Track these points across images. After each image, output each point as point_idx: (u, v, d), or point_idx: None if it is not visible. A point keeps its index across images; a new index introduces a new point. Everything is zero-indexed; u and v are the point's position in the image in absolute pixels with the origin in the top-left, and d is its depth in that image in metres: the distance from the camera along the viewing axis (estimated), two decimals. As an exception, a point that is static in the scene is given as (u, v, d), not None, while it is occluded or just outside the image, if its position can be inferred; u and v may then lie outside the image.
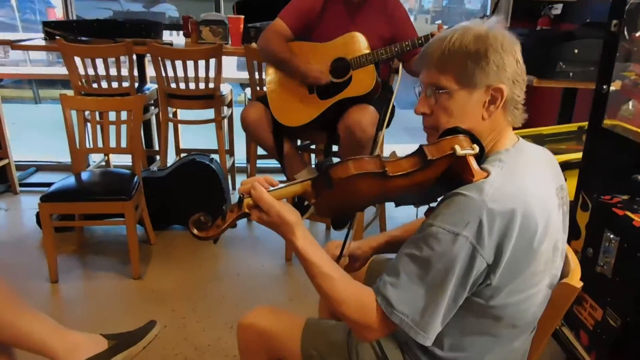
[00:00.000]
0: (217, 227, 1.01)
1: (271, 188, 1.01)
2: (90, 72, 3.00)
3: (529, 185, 0.95)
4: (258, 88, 2.99)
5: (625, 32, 1.74)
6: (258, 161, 3.11)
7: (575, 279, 1.06)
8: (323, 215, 1.07)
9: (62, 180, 2.50)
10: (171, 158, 3.36)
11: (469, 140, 0.95)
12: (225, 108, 3.31)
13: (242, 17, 3.16)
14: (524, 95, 1.02)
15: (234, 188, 3.58)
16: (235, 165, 3.63)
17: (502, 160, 0.97)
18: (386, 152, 2.90)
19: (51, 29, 3.19)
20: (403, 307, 0.94)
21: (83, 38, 3.12)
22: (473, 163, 0.93)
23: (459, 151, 0.92)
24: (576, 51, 2.38)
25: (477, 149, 0.94)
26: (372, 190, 0.98)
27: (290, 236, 0.99)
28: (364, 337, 1.03)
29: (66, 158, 2.62)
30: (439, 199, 0.99)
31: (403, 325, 0.94)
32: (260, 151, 2.87)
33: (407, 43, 2.24)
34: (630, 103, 1.98)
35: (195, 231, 1.01)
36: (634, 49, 1.89)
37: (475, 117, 1.00)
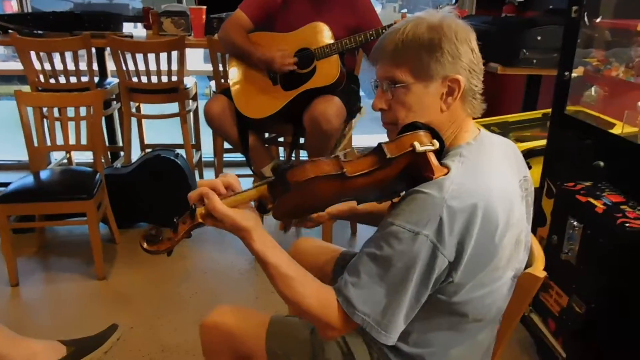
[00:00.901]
0: (169, 240, 0.97)
1: (227, 193, 0.96)
2: (47, 67, 2.89)
3: (490, 179, 0.94)
4: (222, 80, 2.92)
5: (586, 18, 1.74)
6: (225, 155, 3.05)
7: (539, 269, 1.06)
8: (281, 219, 1.06)
9: (19, 180, 2.40)
10: (136, 154, 3.27)
11: (429, 136, 0.93)
12: (190, 102, 3.24)
13: (204, 7, 3.08)
14: (481, 85, 1.01)
15: (201, 183, 3.50)
16: (202, 159, 3.56)
17: (463, 155, 0.96)
18: (354, 142, 2.88)
19: (4, 22, 3.06)
20: (364, 307, 0.92)
21: (39, 32, 2.99)
22: (433, 159, 0.92)
23: (419, 148, 0.90)
24: (539, 38, 2.39)
25: (437, 144, 0.92)
26: (331, 192, 0.95)
27: (247, 241, 0.97)
28: (326, 336, 1.01)
29: (26, 157, 2.52)
30: (401, 194, 0.97)
31: (365, 325, 0.92)
32: (227, 145, 2.81)
33: (371, 32, 2.22)
34: (593, 89, 2.01)
35: (145, 245, 0.97)
36: (595, 35, 1.90)
37: (433, 110, 0.98)
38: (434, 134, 0.94)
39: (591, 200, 1.53)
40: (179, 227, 0.97)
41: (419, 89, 0.97)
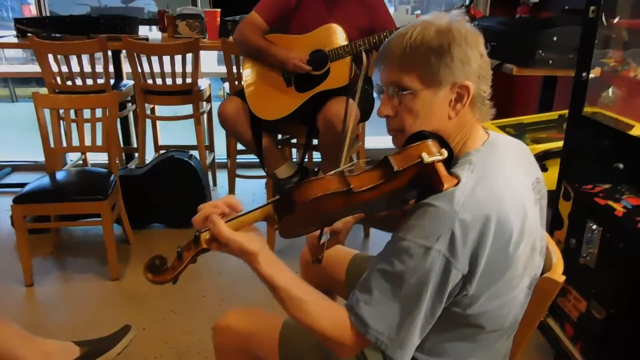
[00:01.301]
0: (173, 270, 0.95)
1: (231, 216, 0.94)
2: (64, 69, 2.93)
3: (502, 187, 0.91)
4: (236, 82, 2.94)
5: (603, 18, 1.71)
6: (238, 156, 3.06)
7: (558, 273, 1.04)
8: (288, 237, 1.02)
9: (35, 181, 2.43)
10: (150, 155, 3.30)
11: (437, 145, 0.90)
12: (204, 103, 3.26)
13: (219, 10, 3.10)
14: (490, 90, 0.98)
15: (214, 184, 3.52)
16: (216, 161, 3.57)
17: (473, 163, 0.93)
18: (368, 144, 2.86)
19: (23, 26, 3.11)
20: (378, 325, 0.90)
21: (56, 35, 3.03)
22: (442, 170, 0.89)
23: (427, 159, 0.87)
24: (555, 38, 2.35)
25: (445, 153, 0.89)
26: (338, 208, 0.93)
27: (254, 265, 0.93)
28: (341, 355, 0.98)
29: (42, 157, 2.55)
30: (410, 203, 0.95)
31: (379, 344, 0.90)
32: (241, 146, 2.82)
33: (385, 34, 2.20)
34: (610, 90, 1.97)
35: (149, 276, 0.94)
36: (612, 35, 1.87)
37: (441, 117, 0.95)
38: (442, 142, 0.91)
39: (610, 203, 1.50)
40: (183, 255, 0.95)
41: (427, 95, 0.94)
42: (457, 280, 0.88)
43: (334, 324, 0.93)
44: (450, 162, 0.92)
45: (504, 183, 0.92)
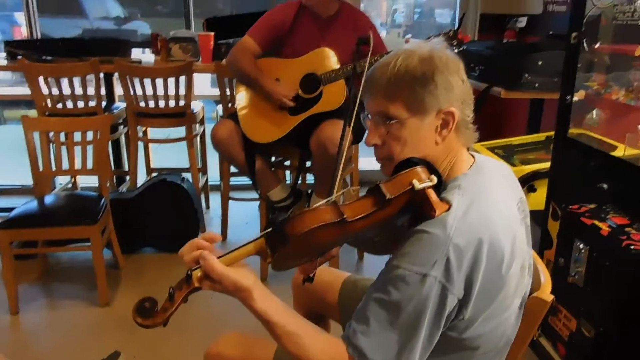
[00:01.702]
0: (164, 311, 0.91)
1: (223, 252, 0.93)
2: (55, 91, 2.93)
3: (492, 209, 0.93)
4: (230, 105, 2.96)
5: (585, 44, 1.77)
6: (231, 179, 3.06)
7: (546, 292, 1.05)
8: (280, 270, 1.01)
9: (23, 205, 2.40)
10: (142, 178, 3.29)
11: (427, 171, 0.92)
12: (197, 126, 3.27)
13: (212, 33, 3.14)
14: (472, 114, 1.00)
15: (207, 207, 3.52)
16: (209, 183, 3.57)
17: (462, 187, 0.94)
18: (361, 165, 2.89)
19: (13, 48, 3.11)
20: (376, 355, 0.89)
21: (47, 57, 3.04)
22: (433, 196, 0.90)
23: (418, 186, 0.89)
24: (540, 63, 2.42)
25: (435, 179, 0.91)
26: (332, 238, 0.93)
27: (248, 302, 0.91)
28: None
29: (31, 181, 2.53)
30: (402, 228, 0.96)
31: None
32: (234, 169, 2.82)
33: (376, 58, 2.24)
34: (595, 112, 2.02)
35: (139, 320, 0.90)
36: (594, 59, 1.93)
37: (429, 144, 0.97)
38: (431, 168, 0.93)
39: (596, 222, 1.53)
40: (175, 295, 0.92)
41: (414, 123, 0.95)
42: (454, 305, 0.89)
43: (331, 358, 0.92)
44: (439, 188, 0.93)
45: (493, 206, 0.94)
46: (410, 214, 0.93)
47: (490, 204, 0.94)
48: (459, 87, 0.96)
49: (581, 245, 1.55)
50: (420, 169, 0.92)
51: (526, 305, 1.05)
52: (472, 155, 1.04)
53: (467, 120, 0.99)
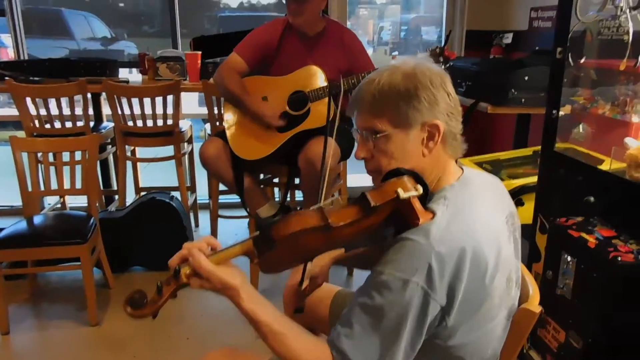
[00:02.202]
0: (153, 303, 0.95)
1: (210, 252, 0.96)
2: (43, 112, 2.93)
3: (476, 221, 0.95)
4: (217, 123, 2.97)
5: (570, 59, 1.80)
6: (220, 197, 3.06)
7: (534, 304, 1.06)
8: (268, 273, 1.04)
9: (12, 226, 2.39)
10: (130, 197, 3.28)
11: (413, 181, 0.94)
12: (185, 144, 3.27)
13: (200, 53, 3.16)
14: (460, 126, 1.02)
15: (196, 226, 3.50)
16: (198, 202, 3.56)
17: (447, 198, 0.96)
18: (349, 182, 2.90)
19: (0, 69, 3.11)
20: (359, 358, 0.91)
21: (35, 78, 3.04)
22: (417, 205, 0.92)
23: (402, 195, 0.90)
24: (526, 78, 2.46)
25: (420, 189, 0.92)
26: (318, 243, 0.94)
27: (236, 300, 0.94)
28: None
29: (19, 201, 2.52)
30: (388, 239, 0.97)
31: None
32: (223, 187, 2.82)
33: (363, 75, 2.27)
34: (581, 126, 2.05)
35: (129, 310, 0.94)
36: (580, 74, 1.97)
37: (416, 156, 0.99)
38: (418, 179, 0.95)
39: (583, 235, 1.54)
40: (163, 289, 0.95)
41: (400, 136, 0.98)
42: (436, 313, 0.90)
43: (316, 359, 0.94)
44: (425, 198, 0.95)
45: (478, 217, 0.95)
46: (396, 224, 0.94)
47: (475, 216, 0.95)
48: (444, 100, 0.98)
49: (569, 258, 1.56)
50: (406, 179, 0.93)
51: (514, 317, 1.06)
52: (461, 168, 1.06)
53: (455, 132, 1.01)
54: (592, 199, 1.65)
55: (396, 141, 0.98)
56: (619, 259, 1.39)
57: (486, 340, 0.98)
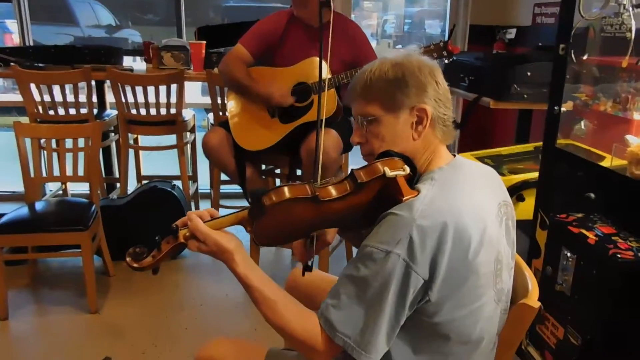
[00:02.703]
0: (152, 258, 1.03)
1: (208, 218, 1.02)
2: (47, 98, 2.93)
3: (460, 198, 0.98)
4: (220, 113, 2.97)
5: (573, 55, 1.80)
6: (222, 187, 3.06)
7: (533, 299, 1.06)
8: (262, 244, 1.08)
9: (14, 211, 2.40)
10: (132, 185, 3.28)
11: (401, 162, 0.99)
12: (187, 134, 3.28)
13: (204, 42, 3.15)
14: (450, 113, 1.08)
15: (197, 214, 3.50)
16: (199, 191, 3.57)
17: (434, 179, 1.01)
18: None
19: (6, 55, 3.11)
20: (345, 328, 0.94)
21: (39, 64, 3.04)
22: (403, 183, 0.97)
23: (389, 173, 0.96)
24: (529, 74, 2.45)
25: (407, 169, 0.98)
26: (306, 216, 0.99)
27: (230, 263, 1.00)
28: (311, 359, 1.02)
29: (20, 187, 2.52)
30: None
31: (346, 347, 0.95)
32: (224, 177, 2.83)
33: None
34: (582, 122, 2.05)
35: (127, 260, 1.02)
36: (582, 71, 1.96)
37: (406, 139, 1.05)
38: (407, 161, 1.00)
39: (583, 231, 1.55)
40: (161, 245, 1.02)
41: (390, 120, 1.04)
42: (419, 286, 0.92)
43: (305, 328, 0.98)
44: (413, 179, 1.01)
45: (462, 196, 0.99)
46: (383, 203, 0.98)
47: (459, 194, 0.99)
48: (432, 87, 1.04)
49: (569, 254, 1.57)
50: (394, 159, 0.99)
51: (513, 312, 1.07)
52: (453, 155, 1.10)
53: (444, 119, 1.06)
54: (592, 195, 1.66)
55: (387, 125, 1.04)
56: (619, 256, 1.40)
57: (472, 319, 0.99)
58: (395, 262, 0.90)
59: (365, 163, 1.09)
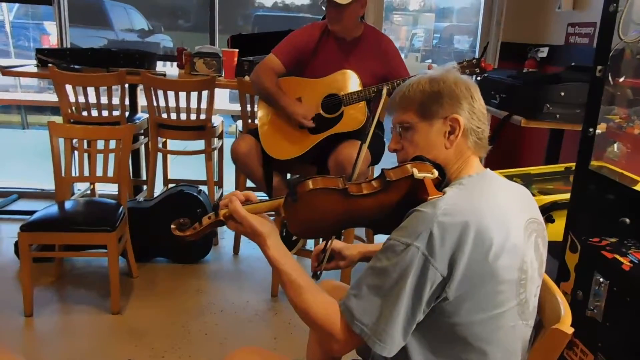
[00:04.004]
0: (194, 229, 1.12)
1: (249, 202, 1.08)
2: (81, 99, 2.99)
3: (485, 202, 1.00)
4: (249, 121, 3.00)
5: (610, 78, 1.77)
6: (246, 194, 3.08)
7: (566, 324, 1.04)
8: (296, 234, 1.13)
9: (44, 209, 2.45)
10: (159, 188, 3.33)
11: (430, 166, 1.03)
12: (215, 139, 3.31)
13: (237, 50, 3.19)
14: (485, 127, 1.11)
15: (221, 220, 3.53)
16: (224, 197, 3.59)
17: (462, 184, 1.04)
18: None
19: (44, 56, 3.20)
20: (363, 316, 0.97)
21: (76, 66, 3.12)
22: (430, 185, 1.00)
23: (417, 174, 1.00)
24: (562, 94, 2.42)
25: (436, 173, 1.01)
26: (336, 208, 1.04)
27: (263, 246, 1.06)
28: (331, 349, 1.04)
29: (50, 186, 2.57)
30: None
31: (363, 335, 0.97)
32: (249, 183, 2.85)
33: (398, 81, 2.27)
34: (616, 145, 2.01)
35: (172, 227, 1.12)
36: (617, 93, 1.93)
37: (439, 147, 1.08)
38: (437, 167, 1.03)
39: (617, 257, 1.51)
40: (203, 220, 1.11)
41: (424, 127, 1.09)
42: (437, 282, 0.94)
43: (326, 314, 1.02)
44: (441, 184, 1.03)
45: (488, 200, 1.01)
46: (411, 204, 1.00)
47: (484, 198, 1.01)
48: (467, 101, 1.08)
49: (601, 279, 1.53)
50: (424, 163, 1.03)
51: (545, 337, 1.04)
52: (484, 167, 1.11)
53: (478, 131, 1.09)
54: (627, 220, 1.62)
55: (421, 132, 1.09)
56: (654, 284, 1.36)
57: (493, 326, 0.98)
58: (415, 255, 0.93)
59: None
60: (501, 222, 0.97)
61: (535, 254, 1.06)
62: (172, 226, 1.12)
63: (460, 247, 0.92)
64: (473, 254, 0.93)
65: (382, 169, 1.04)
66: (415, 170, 1.00)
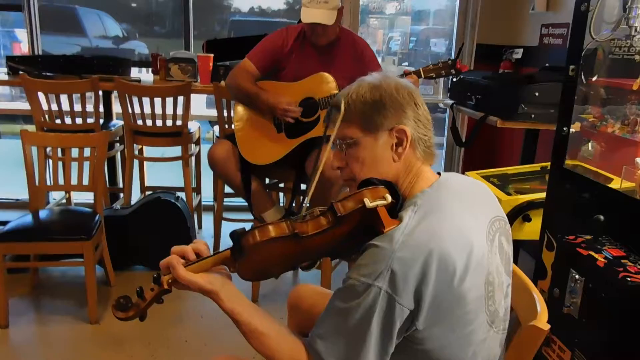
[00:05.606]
0: (136, 307, 1.02)
1: (193, 259, 1.01)
2: (54, 107, 2.94)
3: (443, 223, 0.95)
4: (226, 126, 2.97)
5: (582, 77, 1.80)
6: (225, 199, 3.06)
7: (543, 321, 1.05)
8: (249, 280, 1.08)
9: (18, 219, 2.39)
10: (136, 196, 3.28)
11: (383, 191, 0.97)
12: (192, 145, 3.28)
13: (212, 55, 3.17)
14: (431, 135, 1.06)
15: (200, 227, 3.50)
16: (202, 203, 3.56)
17: (417, 205, 0.98)
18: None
19: (15, 63, 3.14)
20: (331, 358, 0.94)
21: (48, 74, 3.06)
22: (384, 214, 0.94)
23: (369, 204, 0.93)
24: (537, 94, 2.45)
25: (389, 199, 0.95)
26: (289, 252, 0.98)
27: (217, 302, 1.00)
28: None
29: (24, 195, 2.52)
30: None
31: None
32: (228, 189, 2.82)
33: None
34: (590, 144, 2.05)
35: (113, 311, 1.02)
36: (591, 92, 1.96)
37: (386, 161, 1.03)
38: (390, 189, 0.98)
39: (592, 253, 1.53)
40: (144, 294, 1.02)
41: (369, 142, 1.03)
42: (405, 316, 0.91)
43: (292, 357, 0.98)
44: (396, 207, 0.98)
45: (445, 220, 0.96)
46: (366, 232, 0.96)
47: (442, 218, 0.96)
48: (411, 108, 1.03)
49: (577, 276, 1.55)
50: (375, 189, 0.97)
51: (522, 333, 1.05)
52: (438, 173, 1.08)
53: (425, 139, 1.05)
54: (601, 217, 1.64)
55: (366, 147, 1.03)
56: (629, 279, 1.38)
57: (463, 343, 0.98)
58: (377, 295, 0.90)
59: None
60: (462, 241, 0.94)
61: (500, 256, 1.05)
62: (113, 310, 1.02)
63: (424, 279, 0.90)
64: (437, 283, 0.90)
65: (332, 202, 0.96)
66: (367, 200, 0.94)
